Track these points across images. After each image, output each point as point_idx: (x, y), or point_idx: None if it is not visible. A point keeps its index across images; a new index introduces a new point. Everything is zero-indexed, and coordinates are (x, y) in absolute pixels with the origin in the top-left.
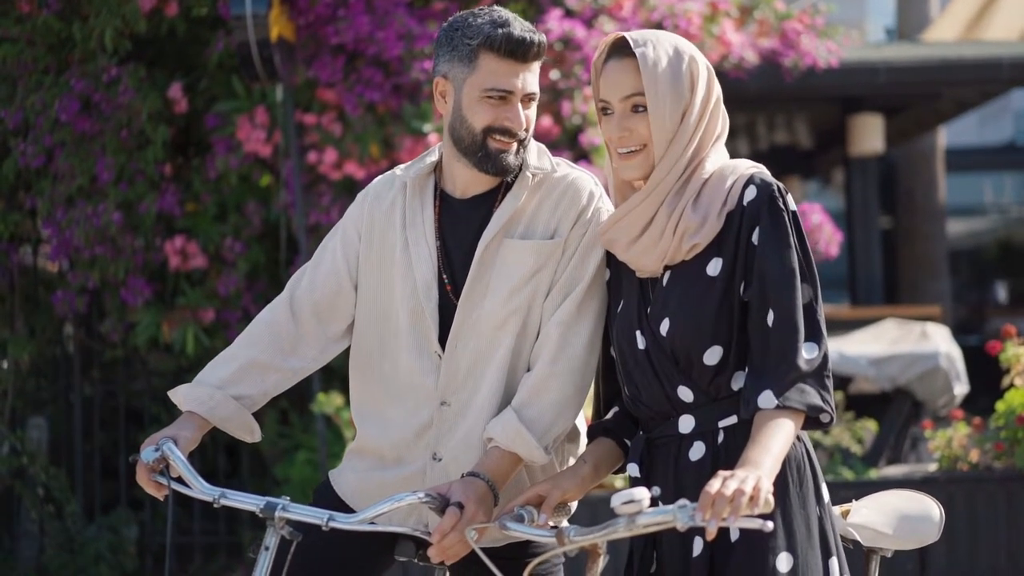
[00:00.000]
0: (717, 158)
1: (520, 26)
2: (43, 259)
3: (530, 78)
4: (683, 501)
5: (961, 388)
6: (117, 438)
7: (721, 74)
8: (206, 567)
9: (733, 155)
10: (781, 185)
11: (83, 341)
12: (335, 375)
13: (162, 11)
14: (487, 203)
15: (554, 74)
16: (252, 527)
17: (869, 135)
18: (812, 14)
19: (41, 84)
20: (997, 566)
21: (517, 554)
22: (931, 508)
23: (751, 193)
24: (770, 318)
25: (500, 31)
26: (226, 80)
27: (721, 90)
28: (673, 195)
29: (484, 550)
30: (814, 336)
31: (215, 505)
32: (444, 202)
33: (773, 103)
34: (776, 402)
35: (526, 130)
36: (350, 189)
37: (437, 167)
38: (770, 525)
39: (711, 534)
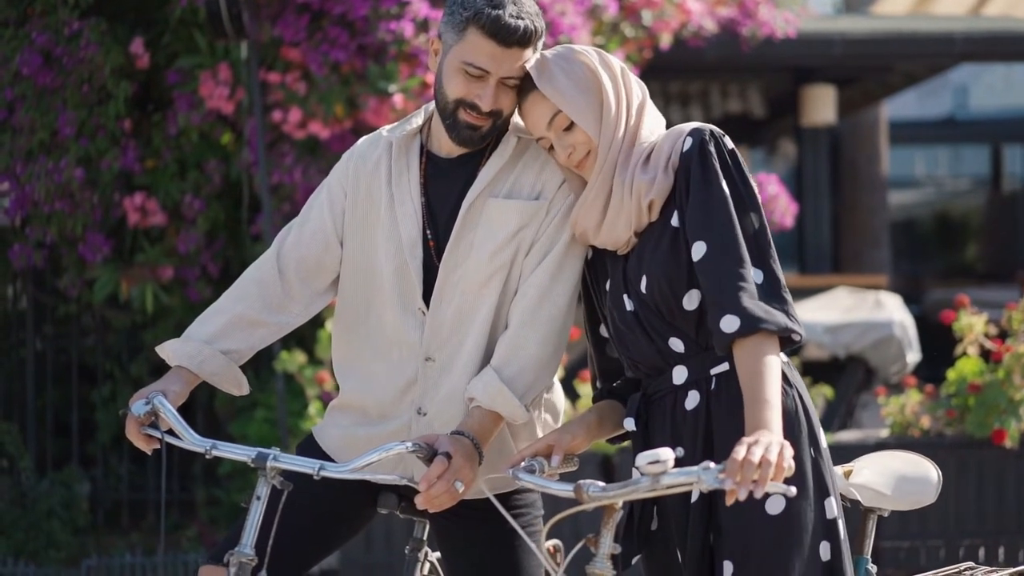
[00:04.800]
0: (651, 123)
1: (514, 11)
2: None
3: (513, 63)
4: (707, 463)
5: (913, 356)
6: (69, 394)
7: (680, 42)
8: (159, 523)
9: (686, 121)
10: (716, 129)
11: (36, 296)
12: (294, 334)
13: None
14: (472, 162)
15: None
16: (205, 484)
17: (821, 106)
18: None
19: (1, 37)
20: (946, 531)
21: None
22: (929, 471)
23: (687, 144)
24: (705, 248)
25: (491, 12)
26: (188, 36)
27: (620, 62)
28: (620, 167)
29: (467, 502)
30: (763, 261)
31: (207, 456)
32: (430, 161)
33: (728, 71)
34: (739, 324)
35: (500, 111)
36: (313, 149)
37: (423, 128)
38: (793, 490)
39: (741, 497)
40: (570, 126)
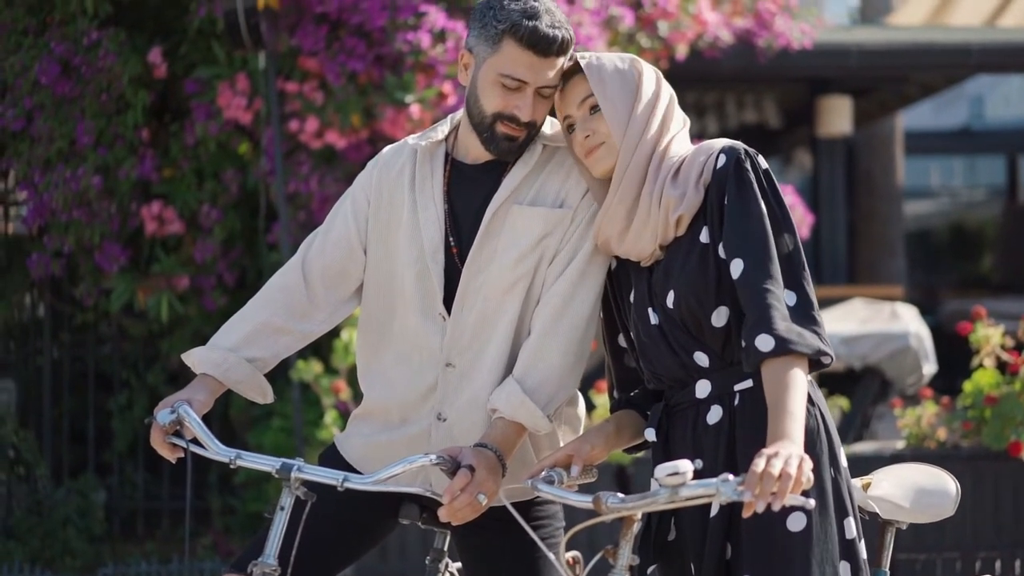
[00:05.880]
0: (681, 144)
1: (549, 20)
2: (12, 222)
3: (549, 72)
4: (726, 475)
5: (929, 367)
6: (85, 402)
7: (696, 53)
8: (174, 531)
9: (703, 133)
10: (750, 149)
11: (53, 305)
12: (310, 343)
13: None
14: (497, 169)
15: None
16: (220, 493)
17: (837, 116)
18: None
19: (20, 46)
20: (963, 544)
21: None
22: (947, 483)
23: (721, 161)
24: (743, 267)
25: (528, 23)
26: (206, 46)
27: (673, 92)
28: (650, 181)
29: (489, 512)
30: (797, 281)
31: (231, 466)
32: (454, 167)
33: (744, 82)
34: (773, 344)
35: (535, 121)
36: (330, 158)
37: (449, 137)
38: (812, 503)
39: (759, 510)
40: (597, 112)
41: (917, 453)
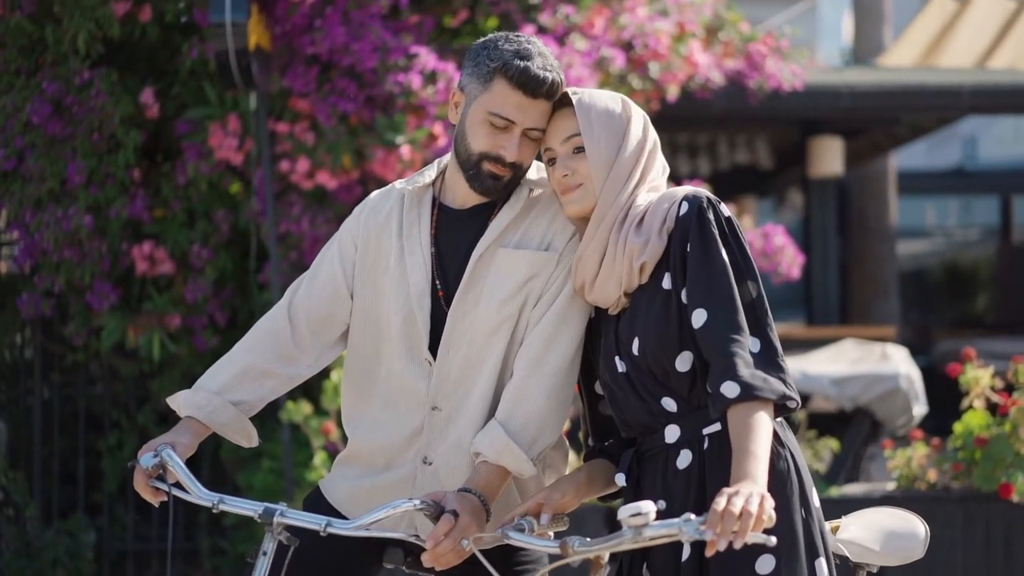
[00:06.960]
0: (649, 194)
1: (541, 63)
2: (3, 261)
3: (537, 115)
4: (688, 515)
5: (920, 409)
6: (75, 443)
7: (687, 94)
8: (163, 573)
9: (695, 174)
10: (712, 197)
11: (43, 345)
12: (300, 384)
13: (136, 16)
14: (484, 214)
15: None
16: (209, 534)
17: (829, 157)
18: (777, 37)
19: (12, 86)
20: None
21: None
22: (916, 525)
23: (684, 209)
24: (706, 316)
25: (519, 63)
26: (197, 86)
27: (658, 138)
28: (616, 228)
29: (473, 556)
30: (760, 329)
31: (214, 510)
32: (441, 211)
33: (736, 123)
34: (739, 391)
35: (521, 164)
36: (321, 199)
37: (436, 181)
38: (773, 540)
39: (721, 548)
40: (581, 153)
41: (908, 494)
